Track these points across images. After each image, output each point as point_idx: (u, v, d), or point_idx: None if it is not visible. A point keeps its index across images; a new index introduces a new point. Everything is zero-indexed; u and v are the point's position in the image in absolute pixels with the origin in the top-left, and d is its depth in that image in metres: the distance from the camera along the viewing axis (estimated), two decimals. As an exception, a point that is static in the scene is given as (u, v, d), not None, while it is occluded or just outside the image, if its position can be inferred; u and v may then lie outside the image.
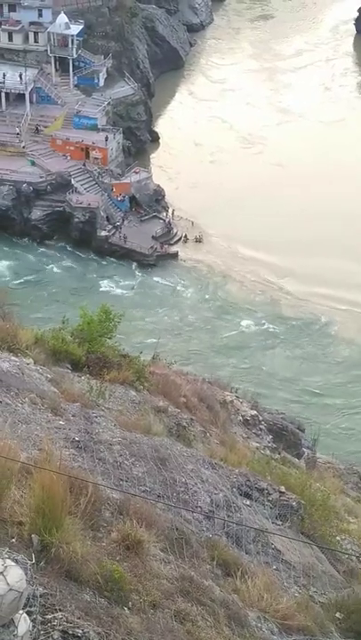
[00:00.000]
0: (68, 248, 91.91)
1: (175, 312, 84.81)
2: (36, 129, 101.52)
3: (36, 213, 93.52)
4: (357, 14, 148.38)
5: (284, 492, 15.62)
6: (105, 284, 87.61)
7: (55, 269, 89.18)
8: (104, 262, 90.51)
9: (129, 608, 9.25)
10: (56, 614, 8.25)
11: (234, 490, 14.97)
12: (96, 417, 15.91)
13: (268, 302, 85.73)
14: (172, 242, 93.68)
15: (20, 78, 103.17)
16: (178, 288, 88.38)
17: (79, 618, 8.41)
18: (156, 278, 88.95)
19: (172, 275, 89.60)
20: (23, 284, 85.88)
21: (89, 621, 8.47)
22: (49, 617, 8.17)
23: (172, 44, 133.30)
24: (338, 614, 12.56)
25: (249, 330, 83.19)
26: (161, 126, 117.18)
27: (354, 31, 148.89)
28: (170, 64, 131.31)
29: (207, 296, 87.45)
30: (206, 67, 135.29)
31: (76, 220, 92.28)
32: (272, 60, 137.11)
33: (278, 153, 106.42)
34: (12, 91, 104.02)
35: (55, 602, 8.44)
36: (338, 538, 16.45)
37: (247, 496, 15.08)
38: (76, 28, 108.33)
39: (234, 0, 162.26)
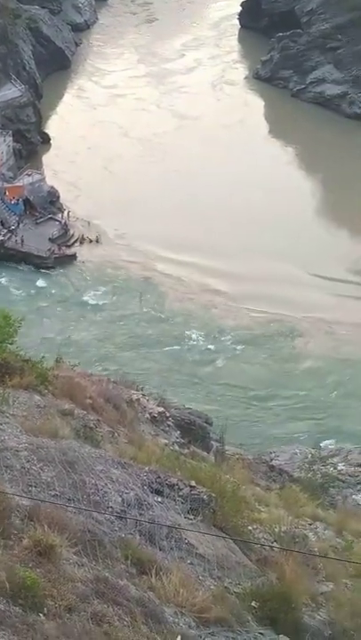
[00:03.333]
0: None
1: (91, 318, 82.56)
2: None
3: None
4: (240, 9, 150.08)
5: (194, 487, 15.67)
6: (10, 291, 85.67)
7: None
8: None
9: (44, 614, 9.18)
10: (-30, 627, 8.13)
11: (145, 488, 14.96)
12: (0, 424, 15.71)
13: (182, 299, 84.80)
14: (69, 243, 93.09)
15: None
16: (82, 287, 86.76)
17: (-6, 628, 8.30)
18: (56, 281, 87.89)
19: (75, 277, 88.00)
20: None
21: (4, 630, 8.37)
22: None
23: (58, 44, 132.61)
24: (253, 603, 12.66)
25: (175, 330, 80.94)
26: (51, 128, 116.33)
27: (238, 25, 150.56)
28: (56, 64, 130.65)
29: (127, 299, 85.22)
30: (95, 72, 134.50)
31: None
32: (159, 63, 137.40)
33: (177, 156, 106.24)
34: None
35: (-32, 614, 8.32)
36: (250, 527, 16.59)
37: (158, 493, 15.09)
38: None
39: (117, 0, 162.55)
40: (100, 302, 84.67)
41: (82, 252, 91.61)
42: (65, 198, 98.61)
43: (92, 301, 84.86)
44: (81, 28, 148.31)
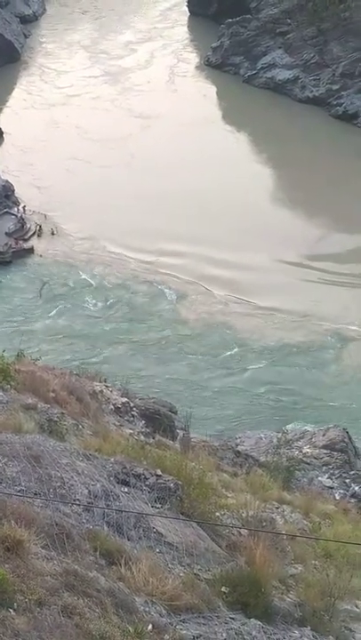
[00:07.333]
0: None
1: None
2: None
3: None
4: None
5: (160, 475, 15.72)
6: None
7: None
8: None
9: (14, 609, 9.18)
10: None
11: (111, 479, 14.98)
12: (-37, 421, 15.64)
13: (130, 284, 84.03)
14: (26, 237, 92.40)
15: None
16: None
17: (-36, 626, 8.28)
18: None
19: (31, 272, 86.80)
20: None
21: (-26, 628, 8.35)
22: None
23: (7, 36, 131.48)
24: (223, 589, 12.75)
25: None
26: (3, 122, 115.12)
27: (187, 13, 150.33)
28: (6, 58, 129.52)
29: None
30: (46, 70, 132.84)
31: None
32: (111, 60, 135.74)
33: (133, 152, 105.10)
34: None
35: None
36: (217, 514, 16.67)
37: (124, 483, 15.12)
38: None
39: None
40: (59, 295, 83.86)
41: (40, 246, 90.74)
42: (20, 193, 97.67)
43: (56, 291, 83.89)
44: (29, 20, 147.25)
